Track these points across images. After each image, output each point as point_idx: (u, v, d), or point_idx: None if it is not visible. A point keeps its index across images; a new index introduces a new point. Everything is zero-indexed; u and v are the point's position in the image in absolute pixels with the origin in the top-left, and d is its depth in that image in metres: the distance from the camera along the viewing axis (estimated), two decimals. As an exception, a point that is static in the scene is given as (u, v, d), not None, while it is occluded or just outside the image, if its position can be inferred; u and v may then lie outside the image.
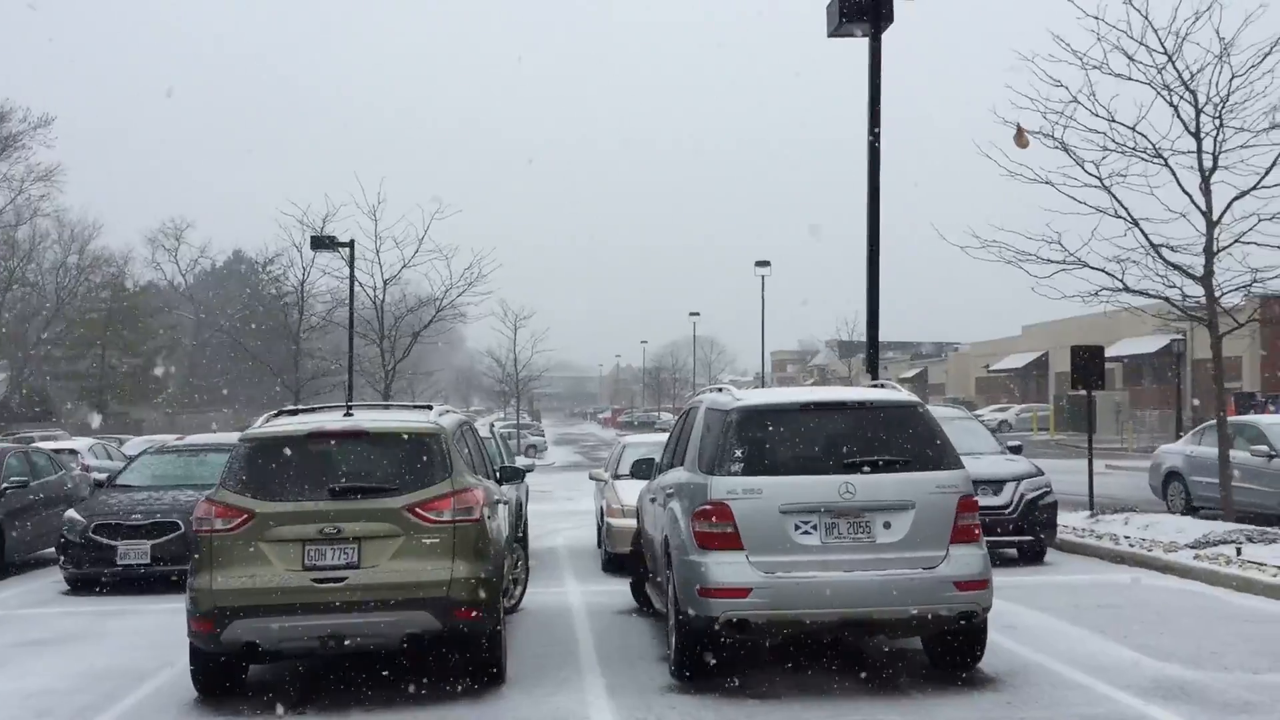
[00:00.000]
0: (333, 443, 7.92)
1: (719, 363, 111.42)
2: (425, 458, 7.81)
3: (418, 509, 7.55)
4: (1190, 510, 17.87)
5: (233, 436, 12.27)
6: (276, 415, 8.77)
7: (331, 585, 7.37)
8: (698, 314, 77.38)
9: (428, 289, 32.60)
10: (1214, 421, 18.94)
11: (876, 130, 14.31)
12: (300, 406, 9.02)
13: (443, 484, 7.71)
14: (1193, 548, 13.07)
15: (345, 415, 8.37)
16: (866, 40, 14.35)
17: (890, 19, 14.06)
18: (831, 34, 14.37)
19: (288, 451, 7.78)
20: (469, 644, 7.77)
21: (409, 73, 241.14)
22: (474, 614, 7.56)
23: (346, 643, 7.45)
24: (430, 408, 8.99)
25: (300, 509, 7.50)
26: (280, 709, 7.49)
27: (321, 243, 29.10)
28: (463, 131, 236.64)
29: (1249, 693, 7.36)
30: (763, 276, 54.69)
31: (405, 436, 7.95)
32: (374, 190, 31.13)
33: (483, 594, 7.61)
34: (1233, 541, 12.95)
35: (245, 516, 7.49)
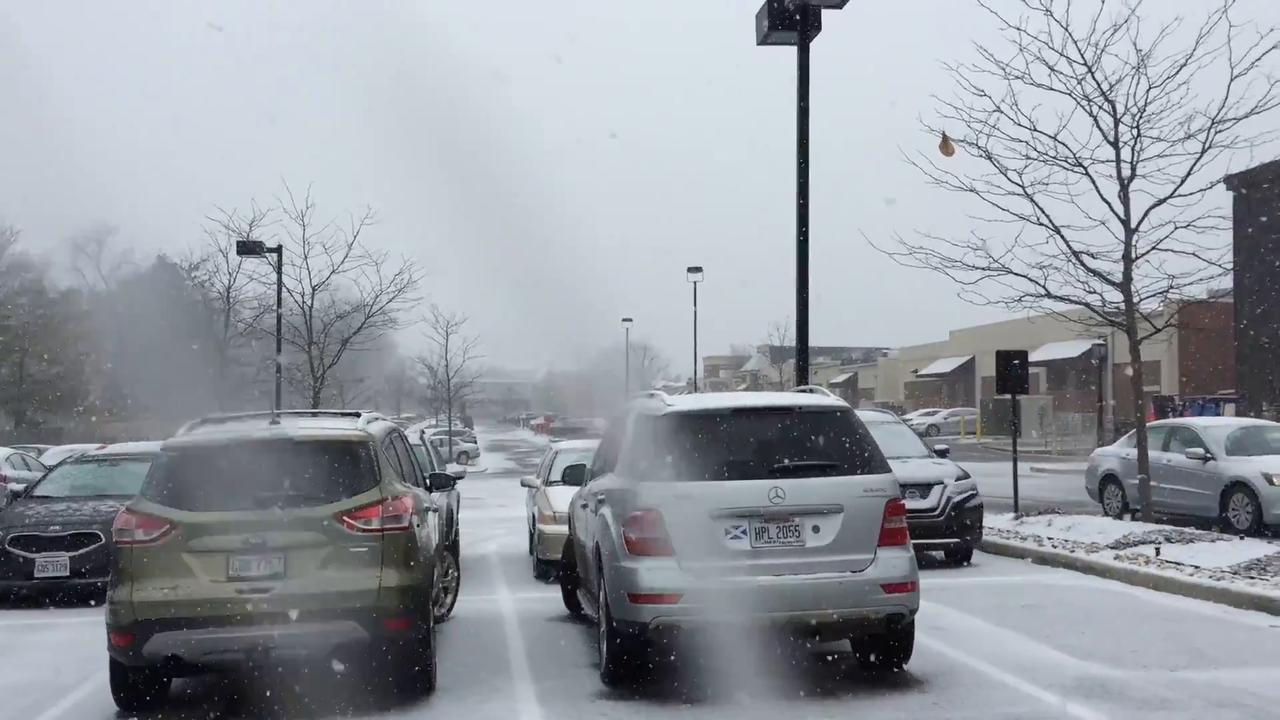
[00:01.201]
0: (258, 451, 7.80)
1: (651, 369, 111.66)
2: (353, 466, 7.73)
3: (345, 518, 7.46)
4: (1127, 513, 18.01)
5: (154, 446, 12.03)
6: (200, 424, 8.61)
7: (257, 596, 7.25)
8: (630, 320, 77.47)
9: (358, 295, 32.28)
10: (1153, 425, 19.23)
11: (805, 137, 14.46)
12: (225, 415, 8.85)
13: (371, 492, 7.63)
14: (1113, 548, 13.37)
15: (271, 423, 8.25)
16: (795, 49, 14.49)
17: (818, 28, 14.21)
18: (760, 43, 14.50)
19: (211, 461, 7.65)
20: (398, 653, 7.69)
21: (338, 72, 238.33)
22: (403, 623, 7.49)
23: (272, 654, 7.34)
24: (358, 415, 8.89)
25: (224, 519, 7.37)
26: (204, 723, 7.36)
27: (248, 248, 28.70)
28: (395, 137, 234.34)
29: (1166, 690, 7.54)
30: (695, 282, 54.86)
31: (332, 444, 7.86)
32: (302, 195, 30.72)
33: (412, 603, 7.55)
34: (1152, 542, 13.27)
35: (167, 527, 7.35)
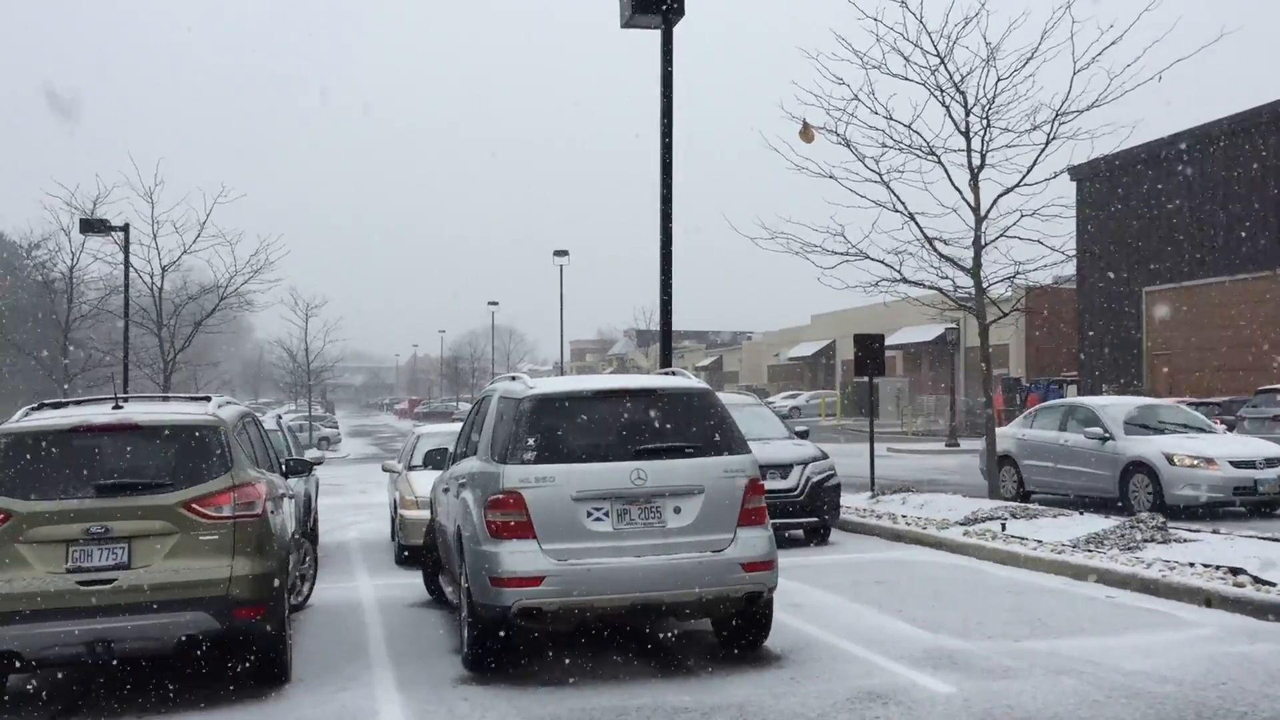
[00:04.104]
0: (100, 437, 7.48)
1: (518, 352, 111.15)
2: (203, 451, 7.48)
3: (194, 505, 7.22)
4: (1023, 496, 17.71)
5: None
6: (38, 408, 8.23)
7: (99, 588, 6.96)
8: (496, 303, 77.01)
9: (211, 276, 31.32)
10: (1049, 404, 19.23)
11: (669, 122, 14.52)
12: (66, 399, 8.45)
13: (222, 478, 7.40)
14: (962, 524, 13.85)
15: (115, 408, 7.92)
16: (659, 33, 14.52)
17: (681, 12, 14.27)
18: (624, 25, 14.48)
19: (49, 447, 7.30)
20: (251, 644, 7.49)
21: (194, 45, 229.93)
22: (256, 612, 7.29)
23: (116, 647, 7.06)
24: (209, 399, 8.60)
25: (63, 508, 7.05)
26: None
27: (92, 226, 27.53)
28: (253, 110, 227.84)
29: (1010, 659, 7.84)
30: (561, 266, 54.80)
31: (181, 429, 7.58)
32: (151, 171, 29.59)
33: (265, 591, 7.36)
34: (998, 518, 13.78)
35: (2, 517, 6.99)
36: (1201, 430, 16.96)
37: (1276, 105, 33.36)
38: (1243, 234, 34.12)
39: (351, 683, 7.76)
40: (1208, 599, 9.47)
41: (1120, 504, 15.97)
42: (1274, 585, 9.36)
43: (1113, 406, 17.48)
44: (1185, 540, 11.63)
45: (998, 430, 19.44)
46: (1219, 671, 7.34)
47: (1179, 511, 15.05)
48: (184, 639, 7.18)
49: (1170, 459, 15.61)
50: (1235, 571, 9.89)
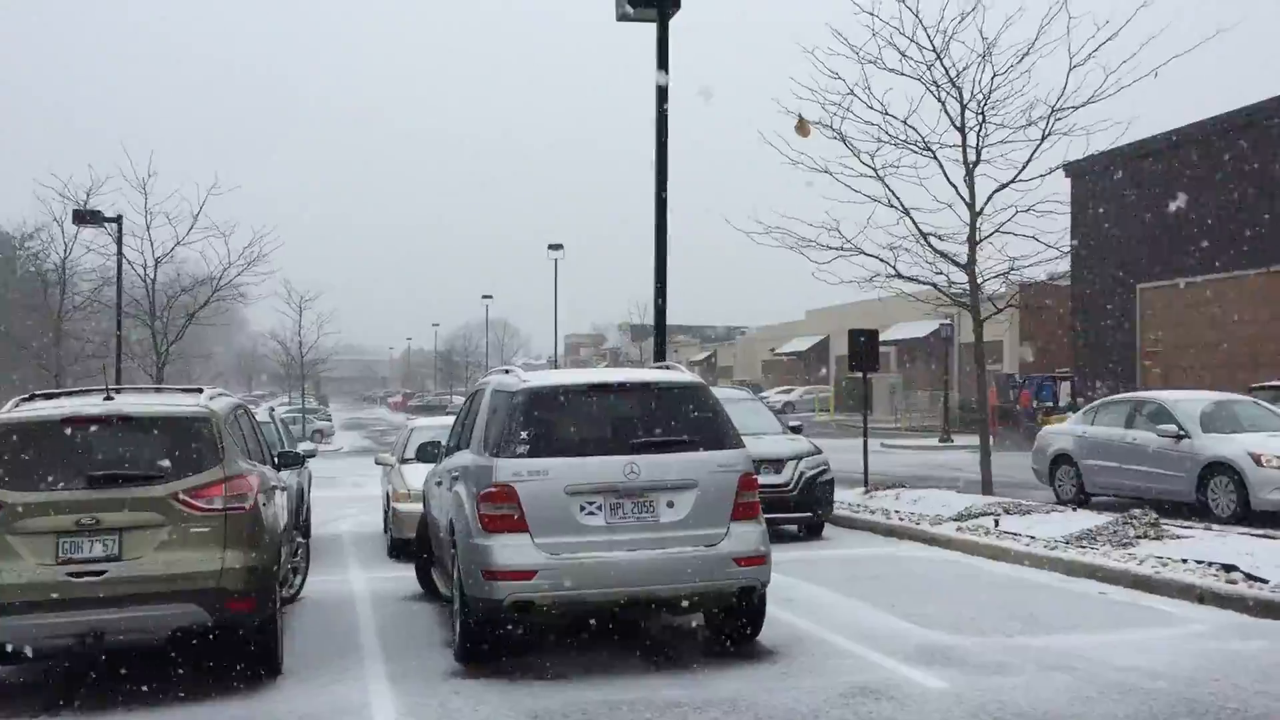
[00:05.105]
0: (91, 428, 7.44)
1: (512, 345, 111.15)
2: (195, 443, 7.45)
3: (186, 497, 7.19)
4: (1082, 498, 16.52)
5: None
6: (29, 399, 8.20)
7: (90, 579, 6.93)
8: (490, 297, 76.93)
9: (205, 268, 31.23)
10: (1110, 399, 17.98)
11: (664, 116, 14.48)
12: (57, 390, 8.42)
13: (214, 470, 7.37)
14: (955, 520, 13.84)
15: (106, 399, 7.88)
16: (655, 25, 14.48)
17: (677, 5, 14.23)
18: (620, 18, 14.45)
19: (40, 438, 7.27)
20: (242, 636, 7.47)
21: (186, 37, 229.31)
22: (247, 605, 7.27)
23: (107, 639, 7.04)
24: (200, 391, 8.57)
25: (54, 499, 7.02)
26: (34, 712, 7.01)
27: (85, 217, 27.45)
28: (248, 103, 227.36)
29: (1003, 655, 7.84)
30: (556, 259, 54.76)
31: (172, 421, 7.55)
32: (144, 162, 29.51)
33: (257, 584, 7.33)
34: (991, 514, 13.79)
35: (-9, 508, 6.96)
36: None
37: (1271, 102, 33.38)
38: (1237, 231, 34.15)
39: (343, 675, 7.73)
40: (1200, 596, 9.48)
41: (1198, 507, 14.72)
42: (1266, 582, 9.37)
43: (1186, 401, 16.09)
44: (1178, 537, 11.65)
45: (1053, 428, 18.75)
46: (1211, 668, 7.34)
47: (1267, 518, 13.85)
48: (175, 631, 7.17)
49: (1258, 460, 14.21)
50: (1228, 568, 9.90)
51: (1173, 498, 15.33)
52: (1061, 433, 17.90)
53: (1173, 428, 15.45)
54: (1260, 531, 12.09)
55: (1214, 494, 14.70)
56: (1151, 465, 15.71)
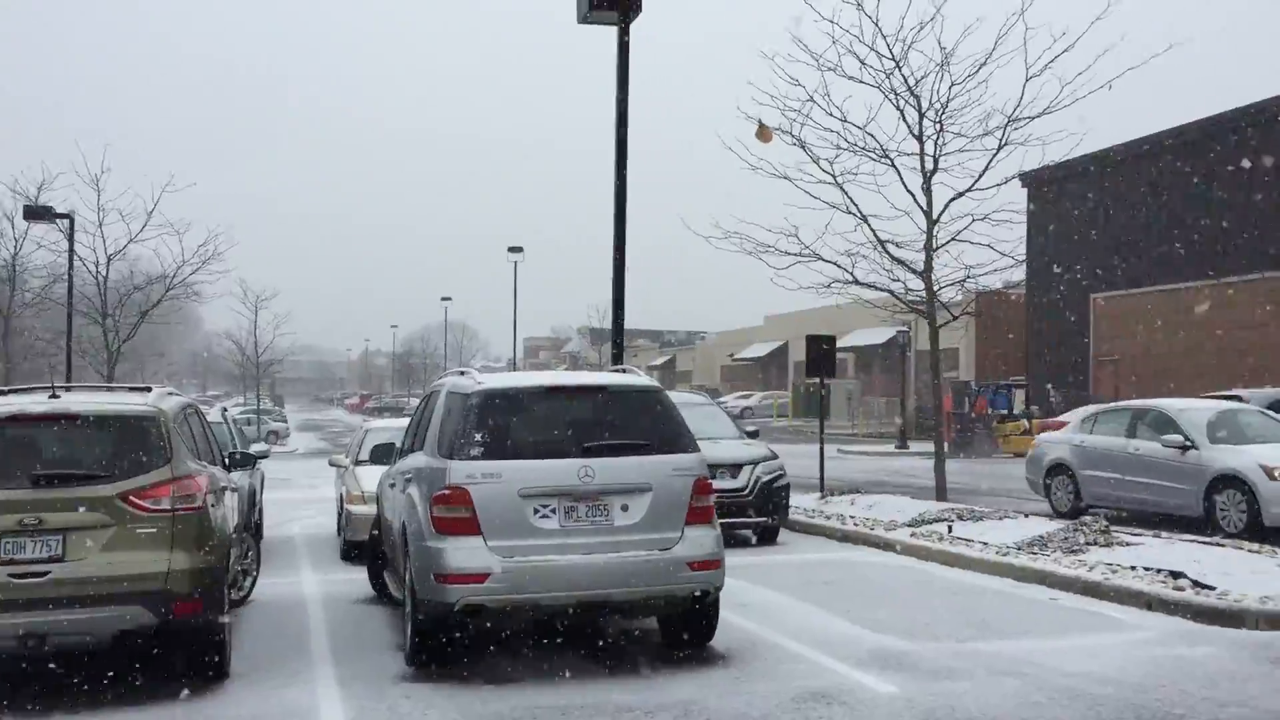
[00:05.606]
0: (36, 427, 7.30)
1: (471, 348, 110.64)
2: (142, 443, 7.32)
3: (132, 497, 7.07)
4: (1079, 510, 15.69)
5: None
6: (-29, 397, 8.03)
7: (33, 581, 6.79)
8: (449, 299, 76.64)
9: (158, 266, 30.85)
10: (1106, 407, 17.39)
11: (624, 119, 14.47)
12: (4, 388, 8.27)
13: (161, 470, 7.25)
14: (910, 526, 13.93)
15: (51, 397, 7.73)
16: (615, 29, 14.47)
17: (639, 9, 14.22)
18: (581, 21, 14.41)
19: None
20: (189, 639, 7.36)
21: (141, 32, 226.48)
22: (195, 607, 7.16)
23: (50, 642, 6.90)
24: (149, 390, 8.44)
25: None
26: (-29, 717, 6.87)
27: (36, 213, 27.01)
28: (205, 102, 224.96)
29: (954, 660, 7.89)
30: (515, 262, 54.58)
31: (120, 420, 7.42)
32: (98, 158, 29.09)
33: (204, 586, 7.22)
34: (945, 520, 13.89)
35: (-69, 508, 6.81)
36: None
37: (1222, 117, 33.95)
38: (1189, 243, 34.67)
39: (292, 679, 7.64)
40: (1149, 602, 9.58)
41: (1205, 522, 14.02)
42: (1213, 589, 9.49)
43: (1192, 411, 15.37)
44: (1127, 544, 11.78)
45: (1048, 436, 18.13)
46: (1159, 674, 7.42)
47: (1279, 535, 13.09)
48: (120, 634, 7.05)
49: (1270, 473, 13.53)
50: (1176, 575, 10.02)
51: (1177, 512, 14.58)
52: (1058, 441, 17.25)
53: (1178, 438, 14.70)
54: (1209, 539, 12.24)
55: (1223, 509, 13.93)
56: (1155, 477, 14.95)
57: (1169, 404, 16.22)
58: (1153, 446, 15.06)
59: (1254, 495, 13.53)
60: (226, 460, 9.97)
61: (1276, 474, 13.51)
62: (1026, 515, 14.49)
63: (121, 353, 28.99)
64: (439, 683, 7.46)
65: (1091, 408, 19.06)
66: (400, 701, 7.06)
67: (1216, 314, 33.28)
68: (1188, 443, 14.60)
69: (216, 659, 7.54)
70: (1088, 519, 12.63)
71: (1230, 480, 13.91)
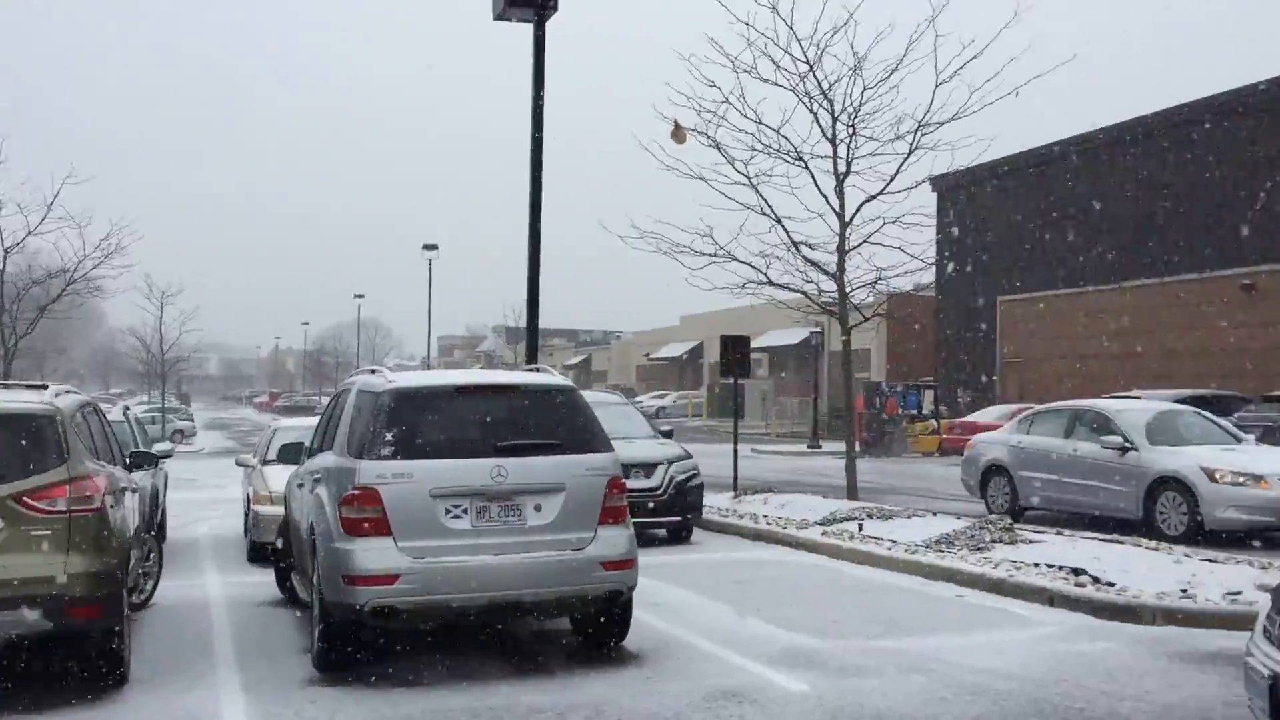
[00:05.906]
0: None
1: (385, 346, 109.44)
2: (37, 442, 7.08)
3: (26, 498, 6.83)
4: (1016, 512, 15.44)
5: None
6: None
7: (-82, 585, 6.53)
8: (363, 296, 75.58)
9: (59, 260, 29.94)
10: (1049, 407, 17.08)
11: (540, 118, 14.41)
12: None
13: (57, 471, 7.01)
14: (821, 525, 14.07)
15: (-60, 395, 7.45)
16: (532, 26, 14.40)
17: (555, 8, 14.18)
18: (497, 18, 14.33)
19: None
20: (87, 644, 7.14)
21: (42, 18, 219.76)
22: (92, 612, 6.94)
23: (-63, 649, 6.65)
24: (45, 387, 8.16)
25: None
26: None
27: (-74, 204, 26.04)
28: (107, 91, 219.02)
29: (863, 657, 7.98)
30: (430, 260, 54.06)
31: (13, 418, 7.16)
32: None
33: (102, 590, 7.00)
34: (855, 519, 14.06)
35: None
36: (1233, 440, 14.86)
37: (1126, 125, 34.95)
38: (1094, 248, 35.63)
39: (195, 684, 7.45)
40: (1051, 599, 9.81)
41: (1144, 525, 13.75)
42: (1113, 585, 9.75)
43: (1130, 411, 15.16)
44: (1031, 541, 12.05)
45: (984, 436, 17.82)
46: (1060, 669, 7.59)
47: (1219, 537, 13.00)
48: (13, 638, 6.81)
49: (1211, 475, 13.29)
50: (1077, 572, 10.27)
51: (1117, 514, 14.37)
52: (995, 442, 16.81)
53: (1117, 439, 14.48)
54: (1108, 537, 12.56)
55: (1163, 511, 13.71)
56: (1094, 479, 14.72)
57: (1105, 404, 16.11)
58: (1092, 448, 14.86)
59: (1195, 497, 13.35)
60: (127, 460, 9.70)
61: (1218, 476, 13.30)
62: (935, 514, 14.73)
63: (19, 349, 28.08)
64: (347, 686, 7.34)
65: (1012, 406, 19.34)
66: (306, 706, 6.92)
67: (1122, 317, 34.25)
68: (1127, 444, 14.41)
69: (116, 664, 7.32)
70: (993, 517, 12.86)
71: (1171, 482, 13.71)
